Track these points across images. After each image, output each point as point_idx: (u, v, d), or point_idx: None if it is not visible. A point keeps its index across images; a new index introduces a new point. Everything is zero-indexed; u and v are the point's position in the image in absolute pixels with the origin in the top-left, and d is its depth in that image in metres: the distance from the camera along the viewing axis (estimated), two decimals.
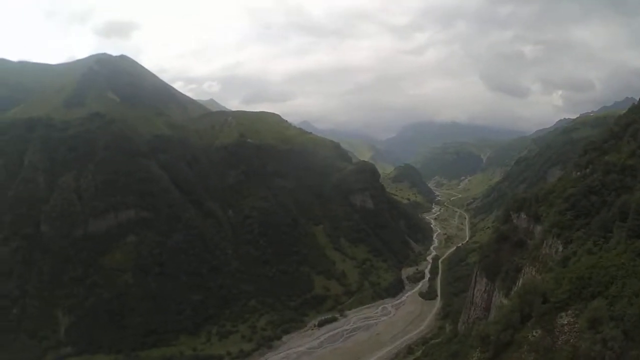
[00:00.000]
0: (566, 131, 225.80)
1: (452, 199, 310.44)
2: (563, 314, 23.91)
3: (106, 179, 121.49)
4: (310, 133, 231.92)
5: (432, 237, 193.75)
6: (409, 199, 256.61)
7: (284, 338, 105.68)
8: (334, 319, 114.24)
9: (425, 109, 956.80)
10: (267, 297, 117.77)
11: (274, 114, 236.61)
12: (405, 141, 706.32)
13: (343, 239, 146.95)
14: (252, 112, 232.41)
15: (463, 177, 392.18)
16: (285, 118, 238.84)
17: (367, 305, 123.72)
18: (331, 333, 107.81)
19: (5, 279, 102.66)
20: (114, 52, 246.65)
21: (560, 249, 45.34)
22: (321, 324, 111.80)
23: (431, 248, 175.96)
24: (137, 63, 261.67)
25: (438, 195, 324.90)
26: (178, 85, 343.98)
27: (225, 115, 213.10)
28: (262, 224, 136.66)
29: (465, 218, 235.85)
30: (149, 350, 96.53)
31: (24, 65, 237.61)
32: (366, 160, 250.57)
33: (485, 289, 65.76)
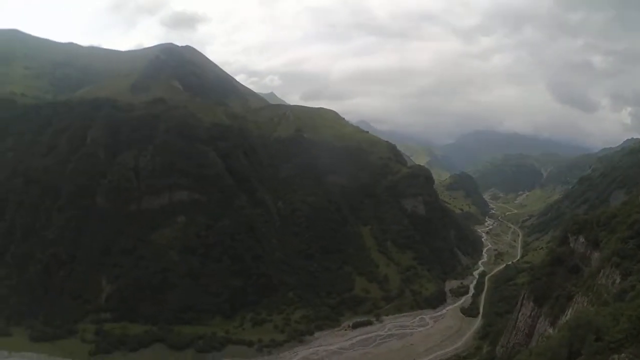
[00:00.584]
0: (634, 152, 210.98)
1: (507, 213, 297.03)
2: (616, 356, 21.12)
3: (164, 160, 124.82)
4: (367, 132, 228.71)
5: (481, 251, 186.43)
6: (462, 209, 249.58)
7: (316, 334, 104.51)
8: (369, 323, 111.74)
9: (488, 117, 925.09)
10: (305, 291, 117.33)
11: (331, 110, 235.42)
12: (464, 149, 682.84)
13: (390, 243, 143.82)
14: (311, 107, 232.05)
15: (521, 192, 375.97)
16: (343, 116, 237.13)
17: (405, 314, 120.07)
18: (364, 336, 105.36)
19: (56, 244, 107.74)
20: (180, 43, 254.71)
21: (618, 280, 41.28)
22: (355, 326, 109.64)
23: (479, 263, 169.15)
24: (201, 54, 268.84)
25: (493, 209, 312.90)
26: (240, 78, 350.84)
27: (283, 109, 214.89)
28: (310, 218, 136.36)
29: (518, 235, 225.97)
30: (183, 326, 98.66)
31: (93, 50, 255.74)
32: (422, 165, 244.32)
33: (531, 314, 61.63)
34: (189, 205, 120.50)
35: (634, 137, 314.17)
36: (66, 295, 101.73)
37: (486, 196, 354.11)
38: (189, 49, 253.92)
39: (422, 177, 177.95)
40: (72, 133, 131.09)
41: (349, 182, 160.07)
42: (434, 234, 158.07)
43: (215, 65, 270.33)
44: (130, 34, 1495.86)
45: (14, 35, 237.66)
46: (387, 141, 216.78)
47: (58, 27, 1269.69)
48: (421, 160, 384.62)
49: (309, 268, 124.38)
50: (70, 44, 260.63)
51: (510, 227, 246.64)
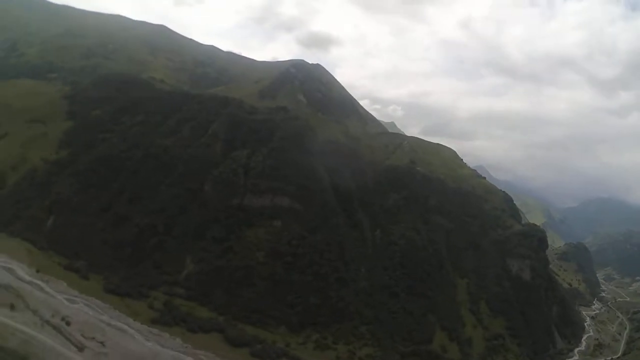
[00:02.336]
0: None
1: (618, 299, 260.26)
2: None
3: (273, 164, 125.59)
4: (484, 178, 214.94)
5: (581, 337, 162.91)
6: (570, 284, 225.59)
7: None
8: None
9: (616, 183, 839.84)
10: (380, 329, 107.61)
11: (449, 148, 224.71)
12: (586, 216, 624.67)
13: (484, 303, 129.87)
14: (428, 141, 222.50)
15: (639, 278, 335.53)
16: (461, 157, 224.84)
17: None
18: None
19: (156, 214, 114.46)
20: (311, 61, 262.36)
21: None
22: None
23: (575, 351, 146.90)
24: (329, 73, 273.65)
25: (604, 290, 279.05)
26: (364, 103, 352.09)
27: (400, 139, 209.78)
28: (405, 255, 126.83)
29: (625, 327, 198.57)
30: (247, 325, 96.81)
31: (231, 55, 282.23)
32: (537, 225, 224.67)
33: None
34: (287, 212, 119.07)
35: None
36: (150, 261, 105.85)
37: (600, 274, 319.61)
38: (318, 67, 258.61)
39: (535, 239, 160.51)
40: (197, 123, 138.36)
41: (455, 227, 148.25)
42: (535, 306, 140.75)
43: (341, 86, 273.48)
44: (267, 46, 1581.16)
45: (162, 31, 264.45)
46: (503, 191, 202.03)
47: (203, 30, 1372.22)
48: (536, 220, 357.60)
49: (391, 307, 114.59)
50: (212, 46, 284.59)
51: (618, 317, 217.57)
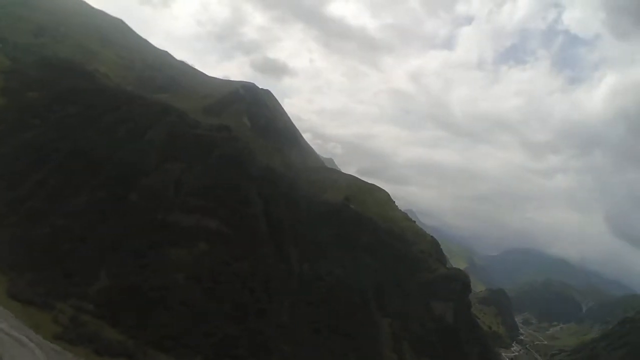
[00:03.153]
0: None
1: (536, 342, 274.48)
2: None
3: (207, 183, 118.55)
4: (414, 222, 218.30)
5: None
6: (490, 327, 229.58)
7: None
8: None
9: (538, 237, 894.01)
10: None
11: (383, 190, 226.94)
12: (506, 264, 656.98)
13: (407, 344, 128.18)
14: (364, 181, 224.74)
15: (555, 323, 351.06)
16: (394, 200, 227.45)
17: None
18: None
19: (74, 216, 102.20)
20: (262, 86, 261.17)
21: None
22: None
23: None
24: (277, 101, 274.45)
25: (522, 334, 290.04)
26: (306, 136, 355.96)
27: (337, 175, 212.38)
28: (331, 291, 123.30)
29: None
30: (159, 353, 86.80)
31: (183, 66, 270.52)
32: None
33: None
34: (214, 234, 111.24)
35: None
36: (60, 268, 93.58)
37: (518, 319, 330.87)
38: (267, 93, 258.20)
39: (459, 283, 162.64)
40: (134, 126, 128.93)
41: (383, 267, 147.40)
42: (457, 348, 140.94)
43: (287, 116, 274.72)
44: (222, 64, 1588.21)
45: (118, 25, 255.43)
46: (431, 236, 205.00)
47: (161, 35, 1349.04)
48: (459, 265, 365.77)
49: (312, 343, 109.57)
50: (165, 52, 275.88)
51: (537, 359, 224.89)
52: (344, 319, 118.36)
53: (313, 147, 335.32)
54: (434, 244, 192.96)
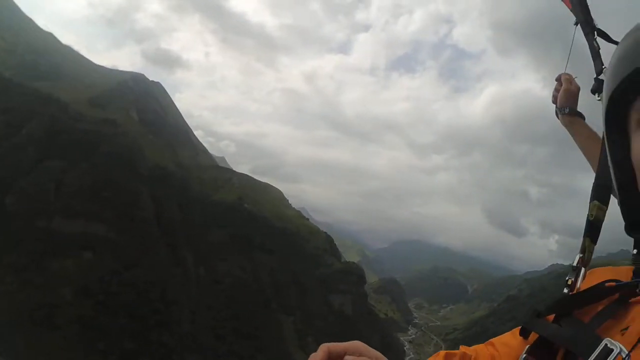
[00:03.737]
0: (561, 275, 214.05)
1: (430, 324, 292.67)
2: None
3: (92, 184, 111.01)
4: (308, 219, 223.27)
5: None
6: (386, 314, 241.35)
7: None
8: None
9: (424, 229, 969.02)
10: None
11: (277, 189, 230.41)
12: (396, 255, 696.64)
13: (311, 339, 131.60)
14: (257, 180, 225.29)
15: (445, 305, 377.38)
16: (287, 198, 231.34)
17: None
18: None
19: None
20: (153, 78, 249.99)
21: None
22: None
23: None
24: (168, 95, 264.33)
25: (416, 318, 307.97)
26: (198, 133, 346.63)
27: (230, 174, 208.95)
28: (230, 294, 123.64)
29: (441, 347, 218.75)
30: None
31: (69, 50, 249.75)
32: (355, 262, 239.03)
33: None
34: (102, 242, 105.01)
35: (559, 263, 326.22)
36: None
37: (411, 304, 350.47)
38: (158, 86, 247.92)
39: (354, 276, 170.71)
40: (11, 117, 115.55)
41: (280, 266, 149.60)
42: (358, 337, 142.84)
43: (178, 112, 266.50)
44: (111, 52, 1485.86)
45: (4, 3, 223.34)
46: (325, 232, 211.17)
47: (48, 13, 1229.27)
48: (353, 258, 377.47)
49: (218, 350, 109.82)
50: (51, 35, 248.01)
51: (433, 339, 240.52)
52: (247, 320, 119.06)
53: (205, 145, 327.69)
54: (328, 240, 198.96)
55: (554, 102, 2.67)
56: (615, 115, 1.12)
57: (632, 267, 1.33)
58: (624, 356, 1.06)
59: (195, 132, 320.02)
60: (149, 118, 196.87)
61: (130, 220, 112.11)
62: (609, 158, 1.24)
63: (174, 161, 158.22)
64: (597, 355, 1.10)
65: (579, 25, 2.41)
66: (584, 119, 2.61)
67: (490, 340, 1.61)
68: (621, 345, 1.09)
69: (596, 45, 2.25)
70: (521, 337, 1.23)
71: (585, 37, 2.28)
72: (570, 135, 2.65)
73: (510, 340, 1.30)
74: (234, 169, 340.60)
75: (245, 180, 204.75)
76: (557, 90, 2.63)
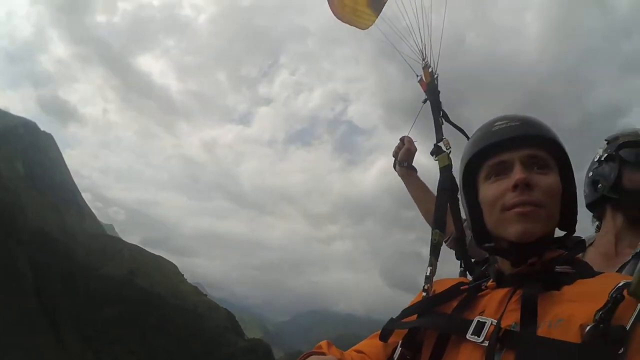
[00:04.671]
0: None
1: None
2: None
3: None
4: (206, 295, 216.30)
5: None
6: None
7: None
8: None
9: (325, 298, 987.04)
10: None
11: (171, 262, 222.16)
12: (299, 327, 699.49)
13: None
14: (150, 252, 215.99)
15: None
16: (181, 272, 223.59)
17: None
18: None
19: None
20: (46, 128, 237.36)
21: None
22: None
23: None
24: (58, 150, 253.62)
25: None
26: (86, 196, 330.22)
27: (121, 245, 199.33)
28: None
29: None
30: None
31: None
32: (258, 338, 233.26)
33: None
34: None
35: None
36: None
37: None
38: (49, 138, 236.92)
39: (260, 353, 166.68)
40: None
41: (179, 347, 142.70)
42: None
43: (67, 170, 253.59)
44: (5, 91, 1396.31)
45: None
46: (225, 309, 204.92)
47: None
48: (254, 335, 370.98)
49: None
50: None
51: None
52: None
53: (93, 210, 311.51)
54: (229, 316, 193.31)
55: (394, 156, 3.44)
56: (468, 174, 1.85)
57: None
58: (495, 324, 1.62)
59: (84, 195, 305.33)
60: (35, 173, 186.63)
61: (7, 294, 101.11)
62: (464, 202, 1.96)
63: (59, 225, 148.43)
64: (473, 329, 1.62)
65: (427, 102, 3.17)
66: (417, 172, 3.44)
67: (354, 347, 2.62)
68: (490, 319, 1.64)
69: (441, 121, 3.02)
70: (381, 342, 1.95)
71: (432, 113, 3.02)
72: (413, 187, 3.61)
73: (375, 342, 2.04)
74: (122, 239, 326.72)
75: (137, 253, 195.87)
76: (399, 147, 3.40)
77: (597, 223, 3.06)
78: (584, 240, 2.11)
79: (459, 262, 2.77)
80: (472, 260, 2.62)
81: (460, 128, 2.94)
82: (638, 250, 2.54)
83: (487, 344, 1.51)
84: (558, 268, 1.67)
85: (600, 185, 2.88)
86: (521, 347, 1.43)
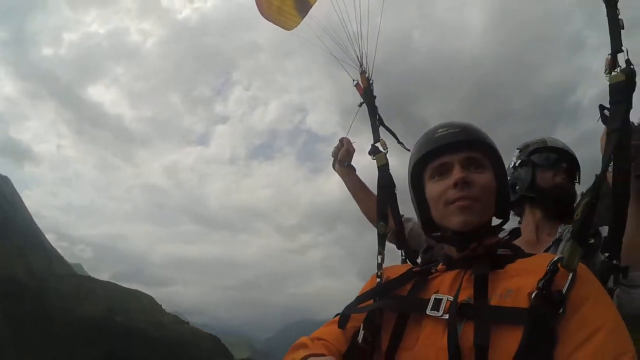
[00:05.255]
0: None
1: None
2: None
3: None
4: (187, 323, 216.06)
5: None
6: None
7: None
8: None
9: (308, 307, 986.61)
10: None
11: (148, 295, 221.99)
12: (286, 340, 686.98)
13: None
14: (125, 287, 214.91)
15: None
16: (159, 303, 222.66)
17: None
18: None
19: None
20: (1, 171, 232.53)
21: None
22: None
23: None
24: (16, 192, 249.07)
25: None
26: (50, 237, 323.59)
27: (93, 283, 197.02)
28: None
29: None
30: None
31: None
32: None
33: None
34: None
35: None
36: None
37: None
38: (6, 181, 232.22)
39: None
40: None
41: None
42: None
43: (27, 212, 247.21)
44: None
45: None
46: (209, 333, 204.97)
47: None
48: (241, 355, 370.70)
49: None
50: None
51: None
52: None
53: (58, 250, 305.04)
54: (214, 340, 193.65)
55: (334, 156, 3.80)
56: (415, 174, 2.15)
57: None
58: (451, 300, 1.81)
59: (47, 236, 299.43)
60: None
61: None
62: (413, 198, 2.27)
63: (28, 270, 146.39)
64: (432, 306, 1.83)
65: (364, 104, 3.53)
66: (356, 170, 3.80)
67: (314, 335, 2.49)
68: (446, 295, 1.86)
69: (377, 123, 3.29)
70: (340, 329, 1.90)
71: (369, 116, 3.30)
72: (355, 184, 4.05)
73: (333, 329, 1.94)
74: (92, 277, 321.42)
75: (112, 289, 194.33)
76: (338, 148, 3.74)
77: (518, 219, 3.64)
78: (519, 228, 2.56)
79: (399, 252, 3.19)
80: (413, 250, 3.13)
81: (392, 132, 3.32)
82: (557, 237, 3.12)
83: (447, 317, 1.75)
84: (500, 251, 2.03)
85: (518, 187, 3.48)
86: (479, 316, 1.70)
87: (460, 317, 1.75)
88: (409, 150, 2.70)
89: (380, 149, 3.16)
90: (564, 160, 3.32)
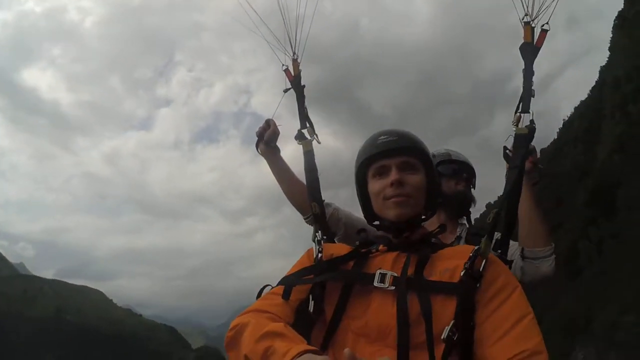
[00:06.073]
0: None
1: None
2: None
3: None
4: (141, 315, 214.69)
5: None
6: None
7: None
8: None
9: (257, 291, 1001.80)
10: None
11: (97, 290, 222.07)
12: None
13: None
14: (73, 284, 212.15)
15: None
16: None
17: None
18: None
19: None
20: None
21: None
22: None
23: None
24: None
25: None
26: None
27: (40, 283, 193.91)
28: None
29: None
30: None
31: None
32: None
33: None
34: None
35: None
36: None
37: None
38: None
39: (214, 358, 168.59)
40: None
41: None
42: None
43: None
44: None
45: None
46: (164, 324, 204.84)
47: None
48: (197, 344, 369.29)
49: None
50: None
51: None
52: None
53: None
54: (170, 331, 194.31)
55: (259, 136, 3.82)
56: (360, 173, 2.56)
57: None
58: (395, 275, 2.19)
59: None
60: None
61: None
62: (358, 192, 2.66)
63: None
64: (378, 279, 2.20)
65: (290, 91, 3.52)
66: (280, 152, 3.85)
67: (254, 309, 2.63)
68: (390, 271, 2.24)
69: (305, 110, 3.35)
70: (283, 300, 2.31)
71: (297, 102, 3.36)
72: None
73: (277, 301, 2.35)
74: (39, 276, 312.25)
75: (60, 287, 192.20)
76: (264, 129, 3.77)
77: None
78: (445, 224, 2.70)
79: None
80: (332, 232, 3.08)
81: (311, 123, 3.34)
82: (457, 235, 3.77)
83: (393, 289, 2.10)
84: (433, 240, 2.51)
85: None
86: (421, 288, 2.09)
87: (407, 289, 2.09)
88: (320, 143, 3.05)
89: (307, 135, 3.30)
90: (464, 171, 4.02)
